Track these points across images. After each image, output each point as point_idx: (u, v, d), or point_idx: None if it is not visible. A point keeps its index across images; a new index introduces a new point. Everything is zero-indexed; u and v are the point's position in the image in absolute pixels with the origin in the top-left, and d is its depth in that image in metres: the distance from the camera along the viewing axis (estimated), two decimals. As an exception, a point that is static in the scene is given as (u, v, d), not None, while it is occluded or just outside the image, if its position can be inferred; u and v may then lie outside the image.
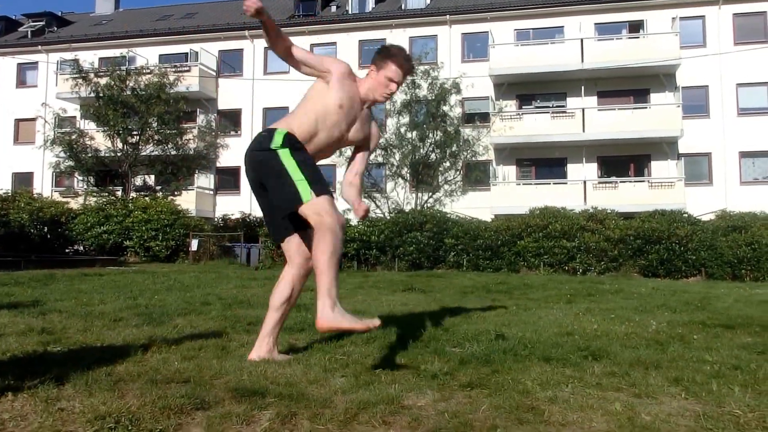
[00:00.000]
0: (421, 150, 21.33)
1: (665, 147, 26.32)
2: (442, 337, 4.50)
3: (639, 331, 4.96)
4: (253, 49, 32.34)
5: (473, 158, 22.36)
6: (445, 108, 21.57)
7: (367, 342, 4.31)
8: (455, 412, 2.66)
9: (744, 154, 26.29)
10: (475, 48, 29.21)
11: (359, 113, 3.49)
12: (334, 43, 31.20)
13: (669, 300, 7.48)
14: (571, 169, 27.36)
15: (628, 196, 24.12)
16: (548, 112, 27.05)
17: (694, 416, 2.66)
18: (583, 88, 26.92)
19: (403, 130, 21.66)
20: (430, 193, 21.84)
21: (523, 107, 28.17)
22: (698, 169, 26.56)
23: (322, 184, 3.13)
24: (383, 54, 3.49)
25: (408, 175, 22.04)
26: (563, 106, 27.53)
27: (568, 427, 2.51)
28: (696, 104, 26.60)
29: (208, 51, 32.44)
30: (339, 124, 3.39)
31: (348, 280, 10.87)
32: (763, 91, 26.27)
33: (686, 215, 16.77)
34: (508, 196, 25.27)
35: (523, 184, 26.69)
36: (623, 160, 27.14)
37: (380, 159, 22.19)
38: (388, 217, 18.58)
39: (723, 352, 4.05)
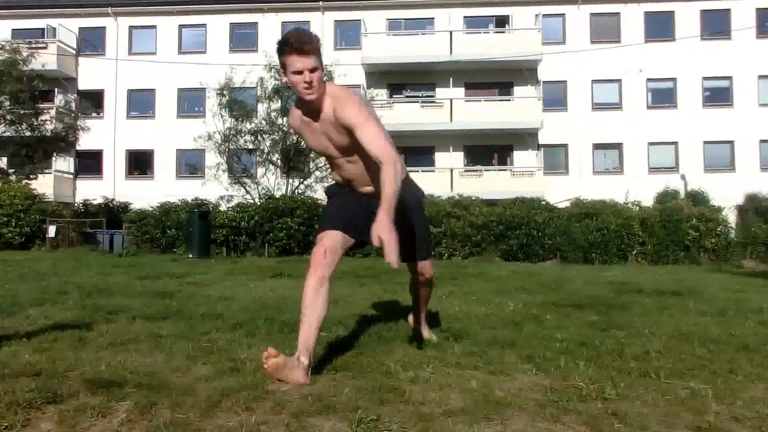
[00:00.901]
0: (293, 136, 21.14)
1: (527, 138, 27.82)
2: (307, 322, 4.49)
3: (497, 312, 5.21)
4: (117, 27, 30.50)
5: (345, 145, 22.46)
6: (318, 95, 21.49)
7: (233, 329, 4.24)
8: (319, 395, 2.68)
9: (597, 146, 28.35)
10: (348, 36, 29.33)
11: (315, 127, 3.14)
12: (204, 25, 30.16)
13: (526, 282, 7.92)
14: (439, 157, 28.23)
15: (491, 184, 25.28)
16: (418, 102, 27.70)
17: (542, 390, 2.82)
18: (451, 79, 27.80)
19: (273, 115, 21.36)
20: (302, 179, 21.73)
21: (394, 96, 28.65)
22: (556, 160, 28.34)
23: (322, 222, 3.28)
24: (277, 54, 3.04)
25: (279, 161, 21.79)
26: (432, 96, 28.32)
27: (427, 405, 2.59)
28: (555, 98, 28.30)
29: (67, 27, 30.23)
30: (318, 146, 3.23)
31: (216, 267, 10.65)
32: (615, 88, 28.43)
33: (544, 203, 17.84)
34: (378, 183, 25.62)
35: (394, 171, 27.10)
36: (488, 149, 28.37)
37: (250, 145, 21.82)
38: (259, 203, 18.29)
39: (572, 330, 4.35)
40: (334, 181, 3.44)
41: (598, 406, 2.59)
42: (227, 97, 21.38)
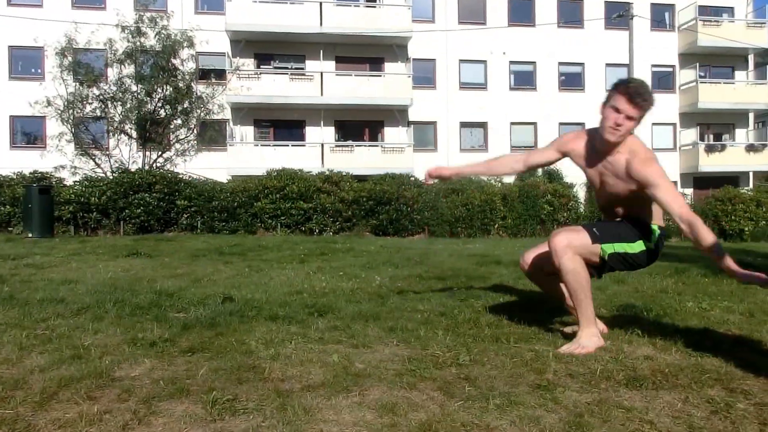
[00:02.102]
0: (149, 105, 19.93)
1: (397, 114, 28.31)
2: (165, 303, 4.35)
3: (364, 287, 5.32)
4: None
5: (208, 117, 21.62)
6: (176, 62, 20.40)
7: (77, 314, 3.99)
8: (172, 378, 2.61)
9: (464, 124, 29.41)
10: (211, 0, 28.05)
11: (594, 161, 3.24)
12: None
13: (394, 257, 8.13)
14: (310, 131, 28.06)
15: (362, 160, 25.56)
16: (287, 74, 27.22)
17: (402, 360, 2.93)
18: (321, 51, 27.60)
19: (127, 82, 19.85)
20: (160, 152, 20.58)
21: (262, 67, 27.98)
22: (425, 136, 29.09)
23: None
24: (612, 88, 3.08)
25: (133, 131, 20.41)
26: (302, 69, 27.96)
27: (287, 381, 2.60)
28: (425, 76, 28.95)
29: None
30: (590, 174, 3.34)
31: (61, 247, 9.53)
32: (481, 69, 29.54)
33: (413, 179, 18.31)
34: (246, 157, 25.09)
35: (262, 145, 26.68)
36: (359, 125, 28.59)
37: (98, 113, 20.06)
38: (111, 177, 17.15)
39: (433, 301, 4.53)
40: None
41: (453, 372, 2.74)
42: (70, 59, 19.25)
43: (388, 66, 28.74)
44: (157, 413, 2.24)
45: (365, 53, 28.47)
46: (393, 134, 28.60)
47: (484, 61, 29.50)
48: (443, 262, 7.56)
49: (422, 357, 2.98)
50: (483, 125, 29.55)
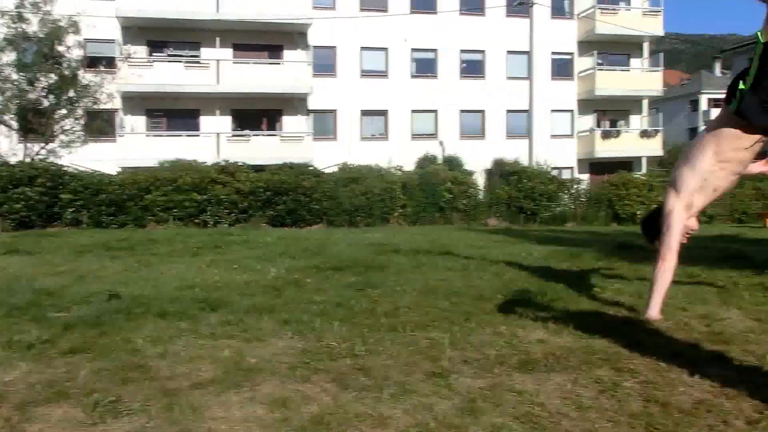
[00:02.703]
0: (31, 94, 18.84)
1: (296, 103, 28.00)
2: (45, 302, 4.12)
3: (259, 279, 5.22)
4: None
5: (95, 106, 20.63)
6: (61, 48, 19.36)
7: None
8: (50, 381, 2.47)
9: (364, 113, 29.50)
10: (99, -17, 26.62)
11: None
12: None
13: (291, 248, 8.04)
14: (205, 121, 27.27)
15: (260, 150, 25.07)
16: (181, 62, 26.32)
17: (296, 353, 2.90)
18: (218, 39, 26.83)
19: (6, 70, 18.77)
20: (43, 144, 19.51)
21: (155, 55, 26.89)
22: (325, 125, 28.95)
23: None
24: None
25: (14, 122, 19.27)
26: (197, 57, 27.09)
27: (174, 379, 2.52)
28: (325, 64, 28.75)
29: None
30: None
31: None
32: (382, 56, 29.68)
33: (312, 168, 18.20)
34: (137, 148, 24.04)
35: (154, 135, 25.73)
36: (257, 114, 28.05)
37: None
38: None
39: (330, 292, 4.51)
40: None
41: (347, 363, 2.73)
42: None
43: (288, 54, 28.36)
44: (32, 419, 2.12)
45: (264, 40, 27.94)
46: (292, 123, 28.29)
47: (385, 49, 29.67)
48: (341, 252, 7.56)
49: (317, 349, 2.96)
50: (384, 113, 29.77)
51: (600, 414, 2.12)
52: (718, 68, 67.97)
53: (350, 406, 2.23)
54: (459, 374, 2.56)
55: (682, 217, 3.42)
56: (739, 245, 8.31)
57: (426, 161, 25.92)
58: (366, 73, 29.55)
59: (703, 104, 63.14)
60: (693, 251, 7.14)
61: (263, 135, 26.98)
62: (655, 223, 3.67)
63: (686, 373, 2.50)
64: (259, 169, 17.71)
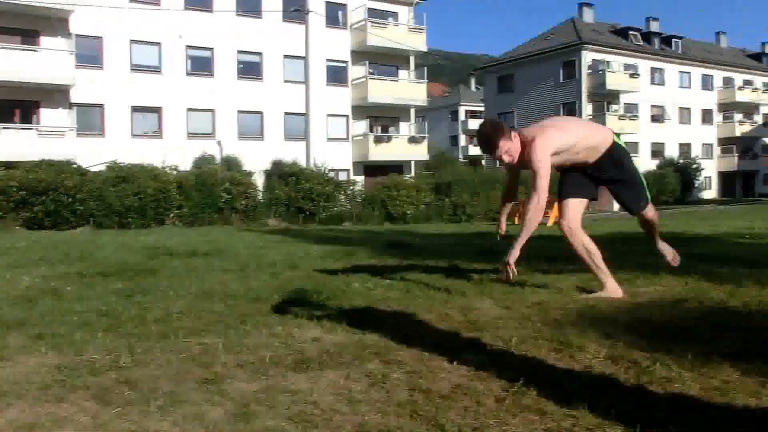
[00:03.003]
0: None
1: (57, 95, 25.42)
2: None
3: (8, 290, 4.63)
4: None
5: None
6: None
7: None
8: None
9: (136, 109, 27.69)
10: None
11: None
12: None
13: (49, 253, 7.27)
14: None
15: (11, 145, 22.29)
16: None
17: (50, 370, 2.59)
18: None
19: None
20: None
21: None
22: (91, 120, 26.66)
23: None
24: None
25: None
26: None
27: None
28: (90, 54, 26.47)
29: None
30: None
31: None
32: (155, 51, 28.07)
33: (76, 166, 16.69)
34: None
35: None
36: (7, 104, 24.97)
37: None
38: None
39: (94, 301, 4.13)
40: None
41: (111, 377, 2.50)
42: None
43: (46, 41, 25.64)
44: None
45: (17, 24, 24.94)
46: (52, 117, 25.63)
47: (158, 44, 28.16)
48: (109, 256, 7.01)
49: (76, 364, 2.68)
50: (157, 110, 28.25)
51: (370, 406, 2.17)
52: (473, 83, 74.81)
53: (112, 424, 2.03)
54: (233, 379, 2.47)
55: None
56: (492, 241, 9.10)
57: (203, 161, 25.09)
58: (137, 68, 27.79)
59: (462, 115, 69.04)
60: (455, 248, 7.72)
61: (15, 128, 24.05)
62: None
63: (446, 361, 2.66)
64: (10, 165, 15.80)
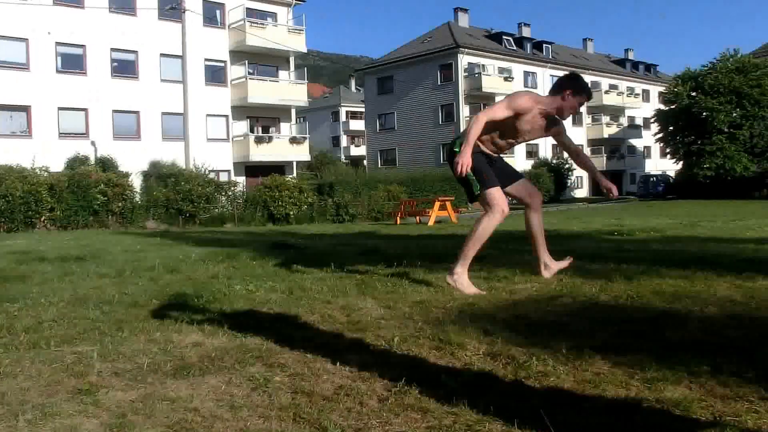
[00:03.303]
0: None
1: None
2: None
3: None
4: None
5: None
6: None
7: None
8: None
9: (2, 107, 25.60)
10: None
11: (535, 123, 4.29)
12: None
13: None
14: None
15: None
16: None
17: None
18: None
19: None
20: None
21: None
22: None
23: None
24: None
25: None
26: None
27: None
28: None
29: None
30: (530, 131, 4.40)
31: None
32: (22, 47, 26.02)
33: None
34: None
35: None
36: None
37: None
38: None
39: (-47, 312, 3.79)
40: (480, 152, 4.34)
41: (-31, 395, 2.31)
42: None
43: None
44: None
45: None
46: None
47: (25, 39, 26.19)
48: (-29, 264, 6.44)
49: None
50: (26, 109, 26.28)
51: (252, 411, 2.13)
52: (353, 85, 75.27)
53: (-25, 442, 1.89)
54: (109, 388, 2.35)
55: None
56: (374, 241, 9.25)
57: (77, 162, 23.60)
58: (2, 65, 25.72)
59: (343, 116, 69.29)
60: (338, 248, 7.74)
61: None
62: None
63: (329, 362, 2.66)
64: None
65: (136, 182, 21.03)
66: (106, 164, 23.43)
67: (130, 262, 6.30)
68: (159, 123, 29.24)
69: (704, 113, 40.36)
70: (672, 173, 49.76)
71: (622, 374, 2.40)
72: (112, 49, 28.29)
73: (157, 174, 23.43)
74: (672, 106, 42.85)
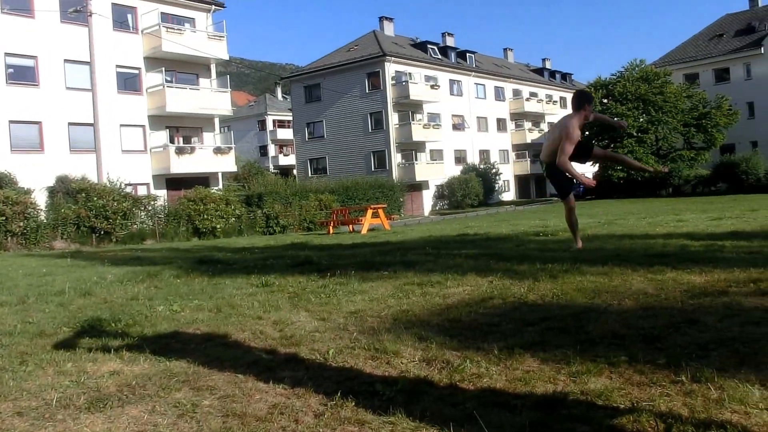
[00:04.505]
0: None
1: None
2: None
3: None
4: None
5: None
6: None
7: None
8: None
9: None
10: None
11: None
12: None
13: None
14: None
15: None
16: None
17: None
18: None
19: None
20: None
21: None
22: None
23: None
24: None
25: None
26: None
27: None
28: None
29: None
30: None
31: None
32: None
33: None
34: None
35: None
36: None
37: None
38: None
39: None
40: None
41: None
42: None
43: None
44: None
45: None
46: None
47: None
48: None
49: None
50: None
51: (179, 441, 2.01)
52: (279, 93, 74.85)
53: None
54: (11, 431, 2.16)
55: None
56: (307, 252, 9.13)
57: (-32, 179, 22.38)
58: None
59: (270, 124, 68.72)
60: (269, 261, 7.58)
61: None
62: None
63: (262, 380, 2.58)
64: None
65: (41, 199, 20.17)
66: (3, 180, 22.35)
67: (35, 287, 5.96)
68: (66, 134, 28.08)
69: (615, 119, 42.87)
70: (590, 175, 51.98)
71: (550, 370, 2.54)
72: (7, 54, 27.05)
73: (66, 189, 22.48)
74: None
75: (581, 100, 5.79)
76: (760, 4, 53.52)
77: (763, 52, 47.42)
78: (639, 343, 2.80)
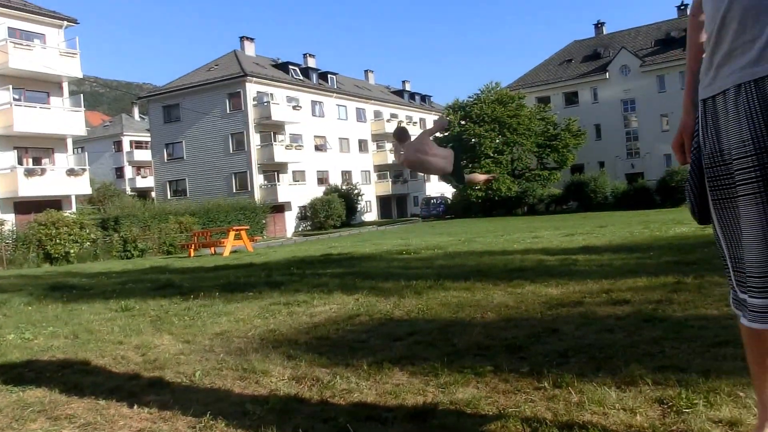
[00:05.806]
0: None
1: None
2: None
3: None
4: None
5: None
6: None
7: None
8: None
9: None
10: None
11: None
12: None
13: None
14: None
15: None
16: None
17: None
18: None
19: None
20: None
21: None
22: None
23: None
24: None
25: None
26: None
27: None
28: None
29: None
30: None
31: None
32: None
33: None
34: None
35: None
36: None
37: None
38: None
39: None
40: None
41: None
42: None
43: None
44: None
45: None
46: None
47: None
48: None
49: None
50: None
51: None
52: (137, 113, 71.50)
53: None
54: None
55: None
56: (168, 275, 8.79)
57: None
58: None
59: (127, 145, 65.36)
60: (128, 285, 7.22)
61: None
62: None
63: (126, 406, 2.47)
64: None
65: None
66: None
67: None
68: None
69: (473, 140, 44.84)
70: (450, 195, 53.83)
71: (419, 382, 2.57)
72: None
73: None
74: (446, 134, 46.60)
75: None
76: (605, 32, 57.72)
77: (608, 77, 51.21)
78: (503, 354, 2.89)
